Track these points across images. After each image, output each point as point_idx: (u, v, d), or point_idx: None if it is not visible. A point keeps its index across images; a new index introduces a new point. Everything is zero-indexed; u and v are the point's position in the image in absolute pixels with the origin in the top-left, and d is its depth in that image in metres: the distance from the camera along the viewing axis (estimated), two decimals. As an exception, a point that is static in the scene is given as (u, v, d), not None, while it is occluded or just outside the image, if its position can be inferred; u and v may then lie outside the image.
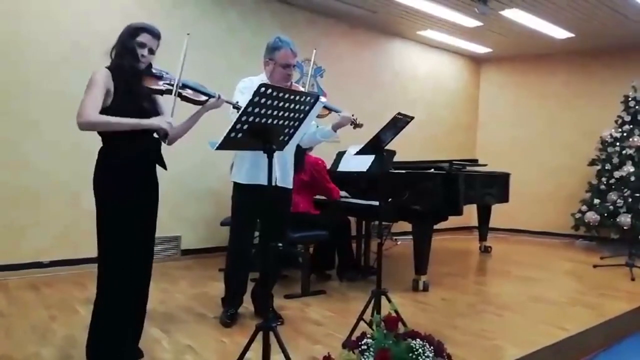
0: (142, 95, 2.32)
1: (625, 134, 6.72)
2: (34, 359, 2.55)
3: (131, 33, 2.30)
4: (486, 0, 5.58)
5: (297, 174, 3.39)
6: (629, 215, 6.28)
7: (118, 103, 2.22)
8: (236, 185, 3.16)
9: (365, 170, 4.50)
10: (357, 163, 4.53)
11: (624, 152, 6.63)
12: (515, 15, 6.08)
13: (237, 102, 2.67)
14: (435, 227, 4.19)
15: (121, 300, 2.27)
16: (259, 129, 2.00)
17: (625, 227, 6.26)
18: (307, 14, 6.31)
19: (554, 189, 7.80)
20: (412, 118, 2.89)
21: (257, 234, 3.37)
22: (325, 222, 4.19)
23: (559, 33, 6.75)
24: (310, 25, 6.35)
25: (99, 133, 2.27)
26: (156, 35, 2.34)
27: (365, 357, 2.02)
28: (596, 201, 6.72)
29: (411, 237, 4.23)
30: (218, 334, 2.99)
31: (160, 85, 2.36)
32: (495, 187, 5.35)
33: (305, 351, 2.72)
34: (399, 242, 5.66)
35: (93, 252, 2.23)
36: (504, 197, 5.56)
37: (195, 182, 5.38)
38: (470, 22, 6.47)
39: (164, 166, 2.42)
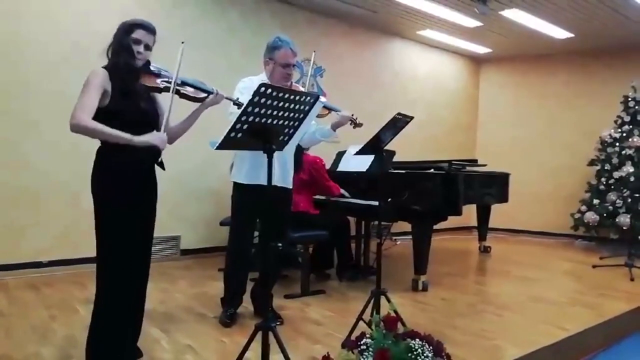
0: (140, 94, 2.28)
1: (624, 134, 6.72)
2: (34, 358, 2.55)
3: (126, 30, 2.26)
4: (486, 1, 5.58)
5: (296, 173, 3.40)
6: (628, 216, 6.27)
7: (115, 103, 2.18)
8: (236, 185, 3.16)
9: (365, 170, 4.50)
10: (357, 163, 4.53)
11: (623, 152, 6.64)
12: (515, 15, 6.08)
13: (238, 99, 2.65)
14: (434, 227, 4.20)
15: (121, 300, 2.26)
16: (258, 128, 2.00)
17: (624, 228, 6.26)
18: (307, 13, 6.31)
19: (553, 189, 7.80)
20: (412, 118, 2.89)
21: (257, 233, 3.37)
22: (325, 222, 4.19)
23: (559, 33, 6.75)
24: (311, 25, 6.35)
25: None
26: (151, 30, 2.30)
27: (364, 357, 2.02)
28: (596, 201, 6.72)
29: (411, 237, 4.23)
30: (218, 334, 2.99)
31: (158, 82, 2.33)
32: (494, 187, 5.35)
33: (305, 351, 2.72)
34: (398, 242, 5.66)
35: (93, 252, 2.22)
36: (503, 197, 5.56)
37: (195, 182, 5.38)
38: (470, 22, 6.48)
39: (162, 167, 2.40)
